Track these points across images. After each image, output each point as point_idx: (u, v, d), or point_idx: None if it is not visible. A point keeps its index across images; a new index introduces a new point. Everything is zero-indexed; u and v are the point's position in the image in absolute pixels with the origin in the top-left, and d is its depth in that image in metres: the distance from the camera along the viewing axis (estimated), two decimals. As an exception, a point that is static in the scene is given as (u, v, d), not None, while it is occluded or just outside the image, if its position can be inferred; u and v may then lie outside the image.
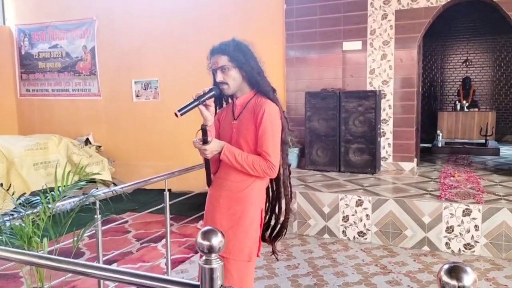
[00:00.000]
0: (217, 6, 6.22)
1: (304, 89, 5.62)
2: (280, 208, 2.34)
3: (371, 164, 5.15)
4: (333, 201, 4.33)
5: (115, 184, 6.54)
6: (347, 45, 5.48)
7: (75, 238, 2.22)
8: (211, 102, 2.09)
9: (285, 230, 2.38)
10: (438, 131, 7.99)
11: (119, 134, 7.16)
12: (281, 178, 2.26)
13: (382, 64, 5.35)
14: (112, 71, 7.05)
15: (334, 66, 5.59)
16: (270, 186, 2.33)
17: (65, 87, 7.49)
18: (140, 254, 4.24)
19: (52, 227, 2.21)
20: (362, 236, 4.23)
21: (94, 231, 2.87)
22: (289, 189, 2.30)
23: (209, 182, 2.24)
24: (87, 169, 6.49)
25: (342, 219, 4.30)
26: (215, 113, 2.24)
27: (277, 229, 2.37)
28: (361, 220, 4.23)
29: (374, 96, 5.09)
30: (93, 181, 6.67)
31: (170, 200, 3.63)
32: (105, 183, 6.64)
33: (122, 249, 3.95)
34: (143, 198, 6.06)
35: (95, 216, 2.76)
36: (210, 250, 1.38)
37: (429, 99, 9.77)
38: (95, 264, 1.43)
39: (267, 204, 2.34)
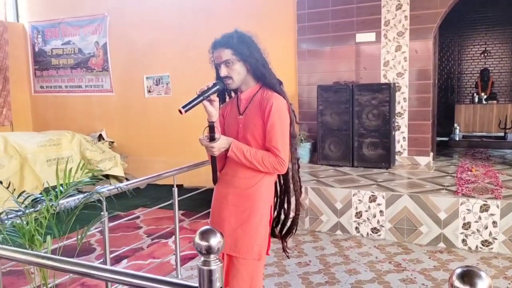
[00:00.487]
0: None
1: (316, 82, 5.52)
2: (288, 203, 2.28)
3: (385, 159, 5.04)
4: (345, 196, 4.24)
5: (127, 180, 6.55)
6: (360, 37, 5.36)
7: (79, 236, 2.18)
8: (215, 97, 2.02)
9: (295, 227, 2.32)
10: (455, 124, 7.80)
11: (132, 129, 7.16)
12: (290, 172, 2.20)
13: (397, 56, 5.21)
14: (124, 66, 7.05)
15: (347, 58, 5.47)
16: (277, 180, 2.26)
17: (78, 83, 7.52)
18: (150, 250, 4.21)
19: (56, 225, 2.18)
20: (376, 233, 4.14)
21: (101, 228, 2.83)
22: (299, 183, 2.23)
23: (215, 180, 2.19)
24: (100, 165, 6.55)
25: (355, 215, 4.21)
26: (219, 107, 2.18)
27: (288, 225, 2.31)
28: (374, 216, 4.13)
29: (388, 89, 4.97)
30: (106, 176, 6.70)
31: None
32: (117, 179, 6.66)
33: (132, 245, 3.94)
34: (155, 194, 6.05)
35: (101, 213, 2.73)
36: (209, 251, 1.32)
37: (446, 91, 9.54)
38: (87, 263, 1.38)
39: (275, 199, 2.27)
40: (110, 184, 6.70)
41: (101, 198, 2.46)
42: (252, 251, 2.08)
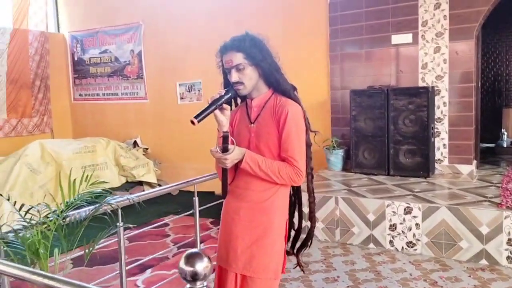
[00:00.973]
0: (259, 3, 6.04)
1: (349, 87, 5.30)
2: (300, 216, 2.13)
3: (424, 167, 4.74)
4: (378, 207, 4.00)
5: (159, 185, 6.56)
6: (397, 39, 5.09)
7: (87, 251, 2.12)
8: (226, 105, 1.90)
9: (310, 240, 2.17)
10: (502, 130, 7.28)
11: (165, 136, 7.19)
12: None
13: (436, 58, 4.91)
14: (157, 74, 7.10)
15: (382, 61, 5.22)
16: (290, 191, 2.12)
17: (115, 91, 7.65)
18: (175, 259, 4.15)
19: (65, 237, 2.13)
20: (411, 247, 3.87)
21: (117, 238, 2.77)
22: (313, 194, 2.09)
23: (224, 193, 2.06)
24: (134, 171, 6.59)
25: (389, 228, 3.96)
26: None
27: (301, 238, 2.16)
28: (410, 229, 3.87)
29: (426, 93, 4.68)
30: (140, 183, 6.75)
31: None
32: (151, 185, 6.69)
33: (156, 254, 3.89)
34: (187, 200, 6.00)
35: (117, 224, 2.67)
36: (195, 277, 1.19)
37: (492, 95, 8.97)
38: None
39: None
40: (143, 190, 6.75)
41: (116, 209, 2.38)
42: (269, 270, 1.94)
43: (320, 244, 4.19)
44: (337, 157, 5.30)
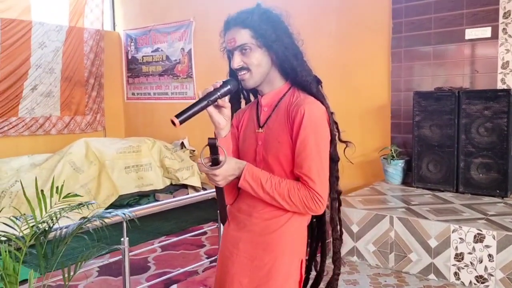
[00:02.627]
0: (313, -4, 5.52)
1: (413, 88, 4.63)
2: (323, 256, 1.60)
3: (501, 185, 3.98)
4: (442, 232, 3.34)
5: (204, 189, 6.24)
6: (472, 33, 4.35)
7: (66, 275, 1.75)
8: (225, 102, 1.43)
9: (322, 276, 1.64)
10: None
11: (212, 138, 6.86)
12: (326, 212, 1.53)
13: (520, 56, 4.13)
14: (206, 73, 6.79)
15: (453, 60, 4.50)
16: (311, 222, 1.60)
17: (165, 90, 7.47)
18: (205, 275, 3.75)
19: (43, 257, 1.78)
20: (482, 283, 3.17)
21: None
22: (339, 227, 1.55)
23: (223, 218, 1.58)
24: (178, 174, 6.32)
25: (455, 257, 3.29)
26: (232, 115, 1.58)
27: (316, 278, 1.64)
28: (481, 261, 3.17)
29: (507, 97, 3.92)
30: (184, 186, 6.48)
31: None
32: (195, 189, 6.40)
33: (186, 268, 3.57)
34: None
35: (121, 238, 2.31)
36: None
37: None
38: None
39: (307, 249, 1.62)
40: (188, 193, 6.47)
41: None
42: None
43: (369, 270, 3.60)
44: (396, 169, 4.65)
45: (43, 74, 7.00)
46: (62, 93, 7.29)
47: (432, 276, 3.39)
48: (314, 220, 1.60)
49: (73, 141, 6.19)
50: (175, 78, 7.26)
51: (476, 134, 4.09)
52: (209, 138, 1.36)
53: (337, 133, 1.51)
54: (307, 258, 1.63)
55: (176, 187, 6.43)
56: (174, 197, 6.16)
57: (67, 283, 1.74)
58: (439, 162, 4.31)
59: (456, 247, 3.28)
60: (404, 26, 4.75)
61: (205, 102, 1.39)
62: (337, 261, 1.58)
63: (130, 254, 2.48)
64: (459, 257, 3.27)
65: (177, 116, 1.34)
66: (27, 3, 6.75)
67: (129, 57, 7.94)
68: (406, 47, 4.78)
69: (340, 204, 1.56)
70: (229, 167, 1.39)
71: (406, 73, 4.80)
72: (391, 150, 4.70)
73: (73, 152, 5.76)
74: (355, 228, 3.79)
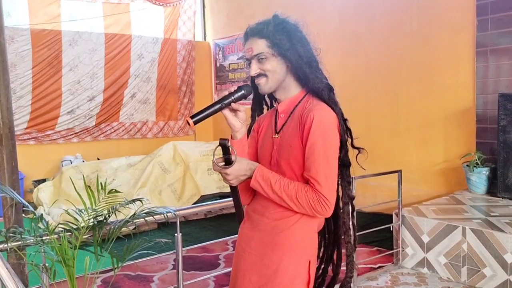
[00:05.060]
0: (393, -4, 5.35)
1: (501, 89, 4.27)
2: (339, 258, 1.61)
3: None
4: (521, 247, 3.05)
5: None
6: None
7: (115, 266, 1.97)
8: (239, 106, 1.54)
9: (336, 279, 1.66)
10: None
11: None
12: (340, 216, 1.55)
13: None
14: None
15: (548, 57, 4.06)
16: (326, 226, 1.63)
17: (249, 95, 7.74)
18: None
19: (100, 246, 2.03)
20: None
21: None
22: (351, 232, 1.55)
23: (240, 217, 1.68)
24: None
25: (534, 276, 2.99)
26: (254, 120, 1.69)
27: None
28: None
29: None
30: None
31: None
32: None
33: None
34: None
35: (175, 234, 2.51)
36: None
37: None
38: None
39: (323, 253, 1.64)
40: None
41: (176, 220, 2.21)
42: None
43: (439, 283, 3.40)
44: (480, 177, 4.31)
45: (141, 83, 7.70)
46: (157, 100, 7.94)
47: (508, 295, 3.11)
48: (331, 224, 1.63)
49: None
50: (259, 84, 7.48)
51: None
52: (220, 139, 1.47)
53: (350, 138, 1.53)
54: (324, 261, 1.66)
55: (256, 190, 6.63)
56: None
57: (116, 266, 1.97)
58: (529, 171, 3.92)
59: (537, 265, 2.97)
60: (490, 23, 4.39)
61: (219, 105, 1.50)
62: (350, 264, 1.59)
63: (183, 249, 2.61)
64: (539, 276, 2.96)
65: (192, 117, 1.47)
66: (128, 18, 7.50)
67: (217, 65, 8.37)
68: (492, 46, 4.41)
69: (353, 209, 1.57)
70: (241, 167, 1.49)
71: (493, 73, 4.43)
72: (475, 157, 4.37)
73: (162, 154, 6.24)
74: (425, 238, 3.61)
